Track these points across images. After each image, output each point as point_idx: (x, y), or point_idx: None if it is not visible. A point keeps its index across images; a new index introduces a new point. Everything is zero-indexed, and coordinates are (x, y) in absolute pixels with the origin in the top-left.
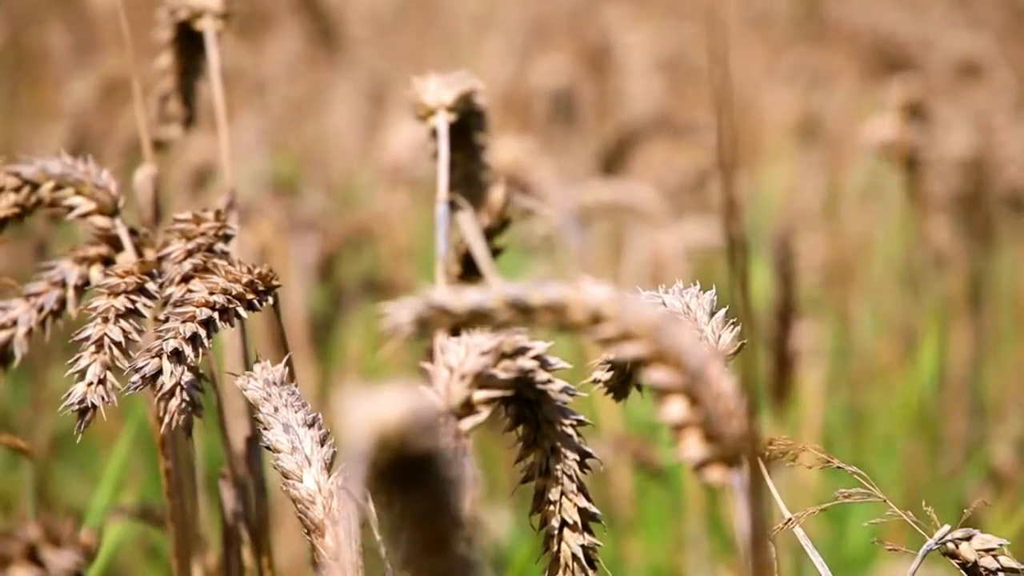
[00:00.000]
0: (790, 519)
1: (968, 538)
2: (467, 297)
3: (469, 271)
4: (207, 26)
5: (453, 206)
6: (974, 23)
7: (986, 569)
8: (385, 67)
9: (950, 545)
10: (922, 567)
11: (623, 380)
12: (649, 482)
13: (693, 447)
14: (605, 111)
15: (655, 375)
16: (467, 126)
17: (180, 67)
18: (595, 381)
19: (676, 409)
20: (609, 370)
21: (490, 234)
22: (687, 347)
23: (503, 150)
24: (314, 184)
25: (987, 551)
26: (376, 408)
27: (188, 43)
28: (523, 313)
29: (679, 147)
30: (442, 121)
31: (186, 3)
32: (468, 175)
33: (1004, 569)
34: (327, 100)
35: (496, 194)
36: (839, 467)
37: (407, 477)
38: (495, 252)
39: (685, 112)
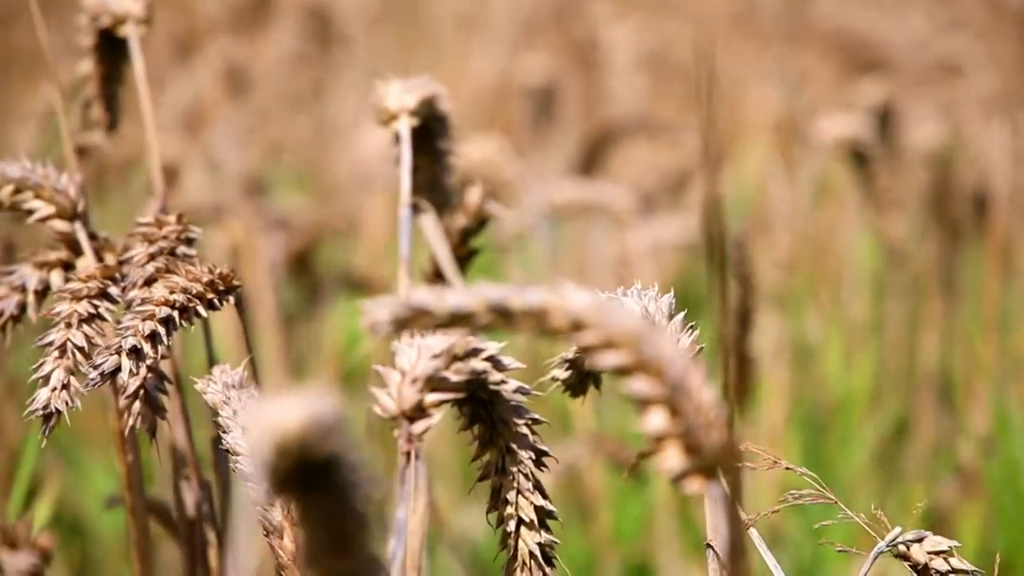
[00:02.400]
0: (745, 520)
1: (919, 540)
2: (448, 299)
3: (438, 273)
4: (130, 32)
5: (416, 209)
6: (954, 23)
7: (936, 571)
8: (373, 66)
9: (901, 547)
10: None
11: (581, 379)
12: (623, 482)
13: (673, 458)
14: (589, 109)
15: (636, 385)
16: (431, 131)
17: (102, 73)
18: (553, 379)
19: (657, 420)
20: (567, 368)
21: (467, 234)
22: (669, 357)
23: (475, 149)
24: (291, 183)
25: (938, 553)
26: (277, 415)
27: (110, 49)
28: (504, 317)
29: (659, 146)
30: (404, 126)
31: (108, 9)
32: (432, 179)
33: (954, 571)
34: (311, 99)
35: (473, 194)
36: (789, 468)
37: (308, 482)
38: (472, 252)
39: (669, 110)
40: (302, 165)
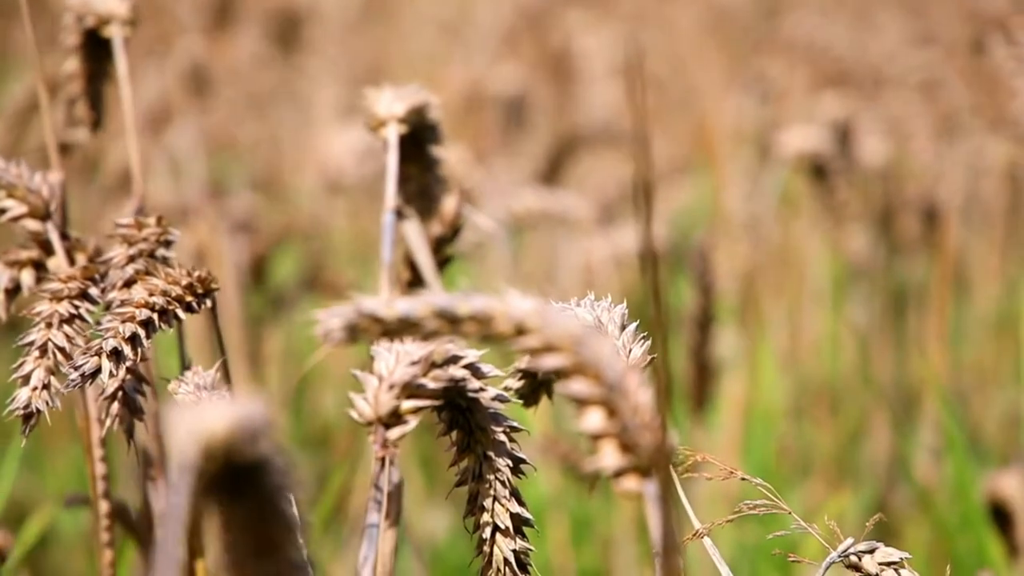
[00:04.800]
0: (698, 530)
1: (871, 551)
2: (396, 306)
3: (417, 279)
4: (115, 33)
5: (400, 215)
6: (926, 37)
7: None
8: (346, 71)
9: (853, 558)
10: None
11: (534, 388)
12: (579, 485)
13: (610, 456)
14: (560, 118)
15: (574, 386)
16: (420, 139)
17: (87, 71)
18: (506, 389)
19: (594, 419)
20: (520, 378)
21: (441, 243)
22: (606, 360)
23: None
24: (255, 186)
25: (889, 564)
26: (203, 419)
27: (95, 48)
28: (450, 323)
29: (624, 155)
30: (393, 132)
31: (93, 10)
32: (423, 188)
33: None
34: (277, 101)
35: (449, 203)
36: (744, 479)
37: (234, 485)
38: (446, 260)
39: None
40: (266, 168)
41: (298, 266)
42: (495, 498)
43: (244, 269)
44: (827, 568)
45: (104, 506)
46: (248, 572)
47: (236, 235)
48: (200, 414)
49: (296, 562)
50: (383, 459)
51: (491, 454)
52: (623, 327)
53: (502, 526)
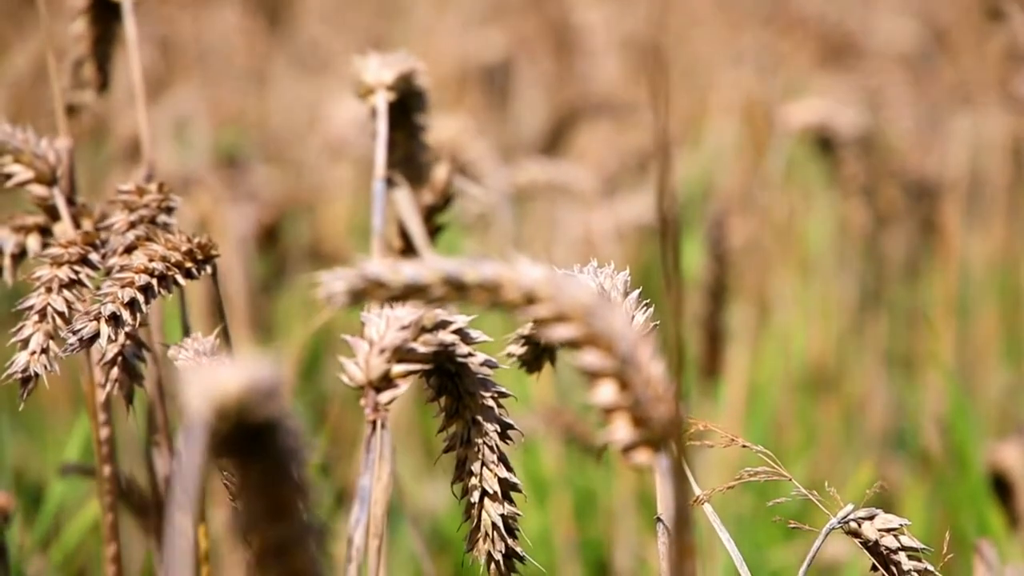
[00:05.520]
0: (699, 496)
1: (871, 517)
2: (403, 271)
3: (409, 247)
4: None
5: (391, 183)
6: (923, 13)
7: (887, 548)
8: (336, 41)
9: (853, 524)
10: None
11: (537, 355)
12: (582, 456)
13: (622, 430)
14: (560, 90)
15: (586, 358)
16: (407, 106)
17: (95, 34)
18: (509, 355)
19: (606, 392)
20: (523, 344)
21: (433, 211)
22: (619, 331)
23: (440, 129)
24: (258, 156)
25: (888, 530)
26: (216, 379)
27: (104, 10)
28: (458, 290)
29: (625, 126)
30: (381, 100)
31: None
32: (408, 154)
33: (904, 548)
34: (273, 72)
35: (440, 172)
36: (746, 446)
37: (246, 446)
38: (437, 229)
39: (640, 92)
40: (265, 138)
41: (302, 236)
42: (483, 463)
43: (249, 239)
44: (827, 534)
45: (107, 470)
46: (261, 534)
47: (241, 205)
48: (213, 374)
49: (309, 525)
50: (374, 422)
51: (479, 419)
52: (626, 294)
53: (490, 491)
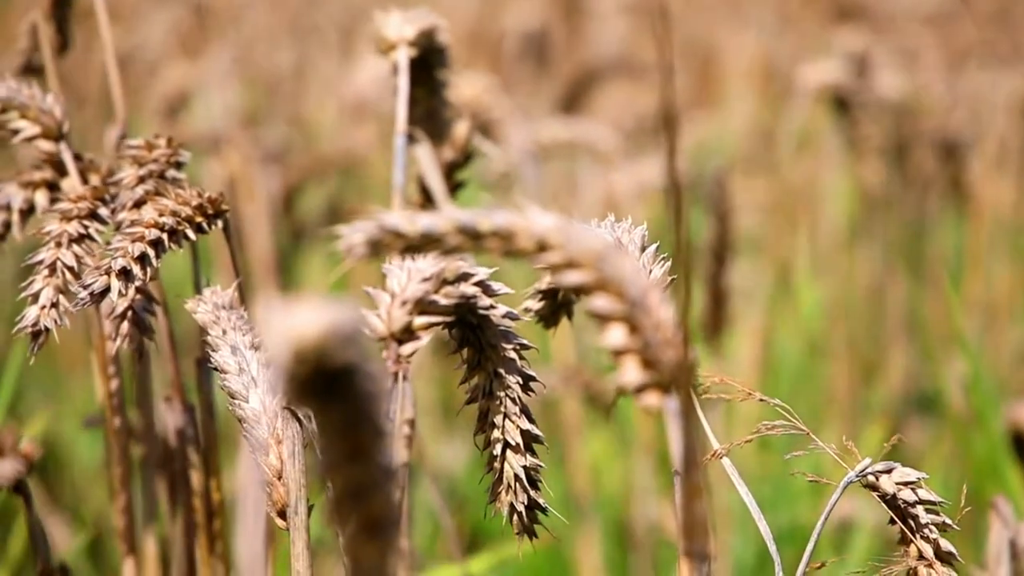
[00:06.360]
0: (717, 450)
1: (888, 471)
2: (419, 221)
3: (430, 203)
4: None
5: (411, 139)
6: None
7: (904, 501)
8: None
9: (871, 478)
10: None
11: (554, 309)
12: (598, 417)
13: (631, 372)
14: (573, 51)
15: (597, 302)
16: (429, 62)
17: None
18: (526, 310)
19: (616, 335)
20: (540, 299)
21: (453, 168)
22: (629, 276)
23: (465, 86)
24: (283, 116)
25: (906, 484)
26: (295, 322)
27: None
28: (472, 238)
29: (639, 88)
30: (403, 55)
31: None
32: (430, 111)
33: (922, 501)
34: (299, 33)
35: (460, 129)
36: (763, 400)
37: (326, 390)
38: (457, 186)
39: (649, 55)
40: (292, 100)
41: (328, 197)
42: (505, 415)
43: (277, 199)
44: (844, 488)
45: (117, 422)
46: (341, 476)
47: (268, 166)
48: (292, 319)
49: (385, 468)
50: (395, 374)
51: (501, 371)
52: (643, 248)
53: (512, 442)
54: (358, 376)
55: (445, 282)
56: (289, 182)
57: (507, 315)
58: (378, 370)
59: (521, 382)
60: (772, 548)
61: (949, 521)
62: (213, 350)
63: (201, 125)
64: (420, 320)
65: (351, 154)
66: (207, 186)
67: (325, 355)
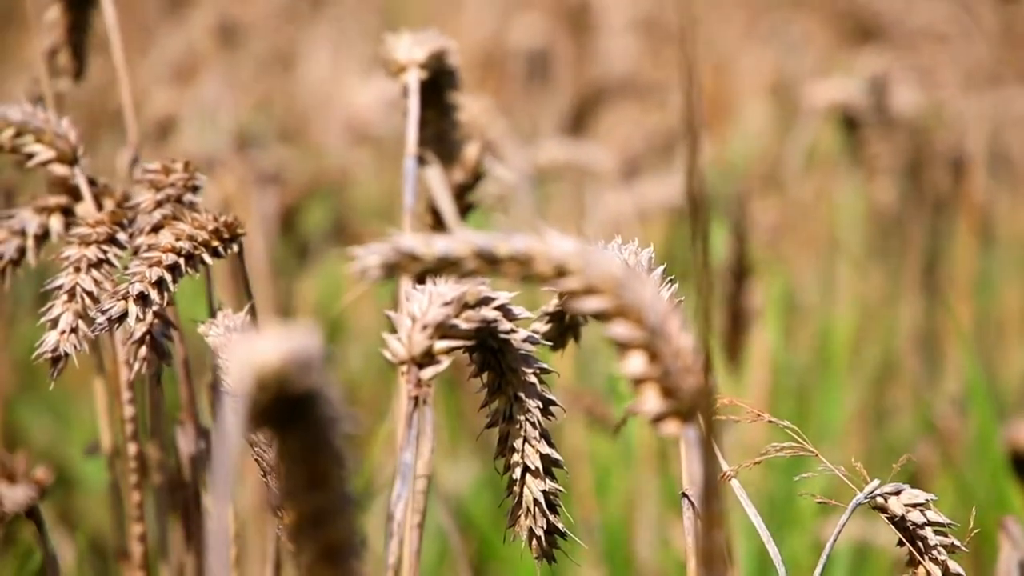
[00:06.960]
0: (725, 472)
1: (897, 493)
2: (436, 245)
3: (440, 225)
4: None
5: (422, 161)
6: None
7: (913, 523)
8: (364, 22)
9: (879, 499)
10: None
11: (561, 331)
12: (601, 437)
13: (651, 401)
14: (580, 71)
15: (616, 329)
16: (439, 84)
17: (69, 21)
18: (534, 332)
19: (636, 363)
20: (548, 321)
21: (464, 190)
22: (648, 303)
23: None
24: (281, 137)
25: (915, 506)
26: (256, 348)
27: None
28: (490, 263)
29: (647, 108)
30: (413, 78)
31: None
32: (440, 133)
33: (931, 523)
34: (299, 54)
35: (471, 150)
36: (771, 421)
37: (286, 416)
38: (468, 208)
39: (658, 73)
40: (290, 120)
41: (325, 218)
42: (525, 439)
43: (272, 221)
44: (853, 509)
45: (132, 449)
46: (300, 504)
47: (265, 187)
48: (254, 345)
49: (346, 495)
50: (416, 398)
51: (522, 395)
52: (650, 270)
53: (532, 467)
54: (319, 402)
55: (466, 306)
56: (286, 203)
57: (528, 339)
58: (337, 397)
59: (541, 406)
60: (781, 571)
61: (958, 543)
62: (225, 373)
63: (194, 146)
64: (441, 344)
65: (346, 173)
66: (202, 208)
67: (286, 382)
